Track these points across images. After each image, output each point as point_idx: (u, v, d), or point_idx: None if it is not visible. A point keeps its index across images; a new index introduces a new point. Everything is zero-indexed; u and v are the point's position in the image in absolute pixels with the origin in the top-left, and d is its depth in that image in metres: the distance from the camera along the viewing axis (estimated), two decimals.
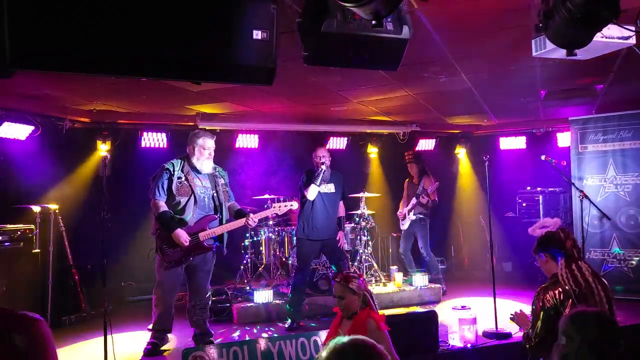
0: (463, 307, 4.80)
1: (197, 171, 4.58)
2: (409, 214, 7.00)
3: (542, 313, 2.83)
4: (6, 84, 4.89)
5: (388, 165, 8.51)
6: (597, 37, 2.70)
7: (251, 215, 4.62)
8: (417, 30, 2.99)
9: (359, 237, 6.84)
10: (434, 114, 7.44)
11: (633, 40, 2.94)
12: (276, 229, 6.92)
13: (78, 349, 4.94)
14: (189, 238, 4.39)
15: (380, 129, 8.17)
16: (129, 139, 6.95)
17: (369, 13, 2.20)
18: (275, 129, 7.62)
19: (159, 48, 2.60)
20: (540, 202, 7.83)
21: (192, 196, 4.48)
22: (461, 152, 8.82)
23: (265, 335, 5.24)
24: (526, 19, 3.25)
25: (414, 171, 7.18)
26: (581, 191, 6.24)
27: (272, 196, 6.69)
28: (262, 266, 7.02)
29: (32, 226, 5.64)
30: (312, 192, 5.32)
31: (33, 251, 5.60)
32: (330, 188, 5.48)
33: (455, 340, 4.62)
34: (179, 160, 4.57)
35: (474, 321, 4.60)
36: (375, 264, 6.93)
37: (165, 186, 4.46)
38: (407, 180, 7.35)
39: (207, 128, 6.89)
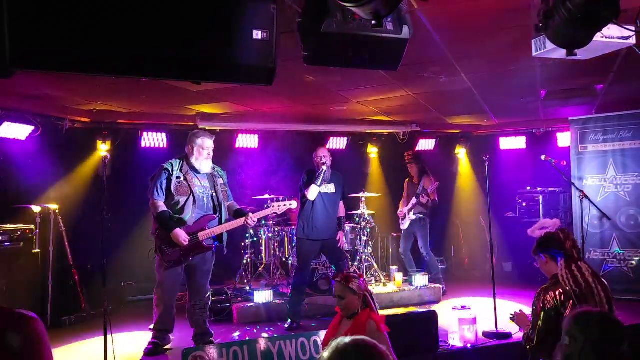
0: (463, 307, 4.80)
1: (196, 171, 4.58)
2: (409, 214, 7.00)
3: (542, 314, 2.83)
4: (6, 84, 4.89)
5: (388, 165, 8.51)
6: (597, 37, 2.70)
7: (250, 214, 4.62)
8: (417, 30, 2.99)
9: (359, 237, 6.84)
10: (434, 114, 7.44)
11: (633, 40, 2.94)
12: (276, 229, 6.92)
13: (78, 349, 4.94)
14: (188, 238, 4.39)
15: (380, 129, 8.17)
16: (129, 139, 6.95)
17: (369, 13, 2.20)
18: (275, 129, 7.61)
19: (159, 48, 2.60)
20: (540, 202, 7.84)
21: (191, 196, 4.48)
22: (461, 152, 8.82)
23: (265, 335, 5.24)
24: (526, 19, 3.25)
25: (414, 171, 7.18)
26: (581, 191, 6.24)
27: (272, 196, 6.69)
28: (262, 266, 7.02)
29: (32, 226, 5.64)
30: (312, 193, 5.32)
31: (33, 251, 5.60)
32: (330, 188, 5.47)
33: (455, 340, 4.62)
34: (178, 160, 4.58)
35: (474, 321, 4.60)
36: (375, 264, 6.93)
37: (164, 186, 4.46)
38: (407, 180, 7.35)
39: (207, 128, 6.89)
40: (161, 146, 6.99)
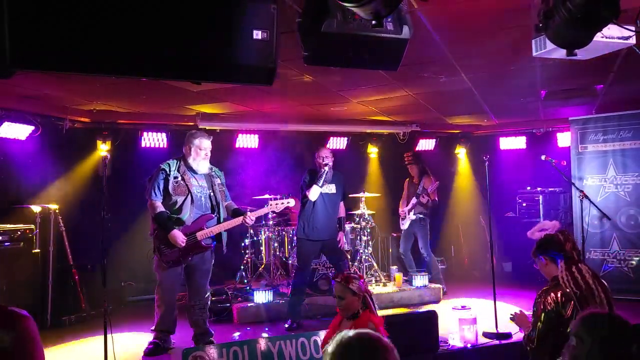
0: (463, 307, 4.81)
1: (194, 171, 4.58)
2: (409, 214, 7.00)
3: (543, 315, 2.84)
4: (6, 84, 4.89)
5: (388, 165, 8.50)
6: (597, 37, 2.70)
7: (248, 213, 4.61)
8: (417, 30, 2.99)
9: (359, 237, 6.84)
10: (434, 114, 7.44)
11: (633, 40, 2.94)
12: (276, 229, 6.92)
13: (78, 349, 4.94)
14: (185, 239, 4.39)
15: (380, 129, 8.17)
16: (129, 139, 6.95)
17: (369, 13, 2.20)
18: (275, 129, 7.61)
19: (159, 48, 2.60)
20: (540, 202, 7.83)
21: (189, 195, 4.49)
22: (461, 152, 8.82)
23: (265, 335, 5.24)
24: (526, 19, 3.25)
25: (415, 172, 7.18)
26: (581, 191, 6.24)
27: (272, 196, 6.68)
28: (262, 266, 7.02)
29: (32, 226, 5.64)
30: (314, 193, 5.31)
31: (33, 251, 5.60)
32: (331, 189, 5.47)
33: (455, 340, 4.62)
34: (175, 161, 4.58)
35: (474, 321, 4.60)
36: (375, 264, 6.93)
37: (162, 186, 4.47)
38: (407, 180, 7.35)
39: (207, 128, 6.89)
40: (161, 146, 6.99)
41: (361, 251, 6.76)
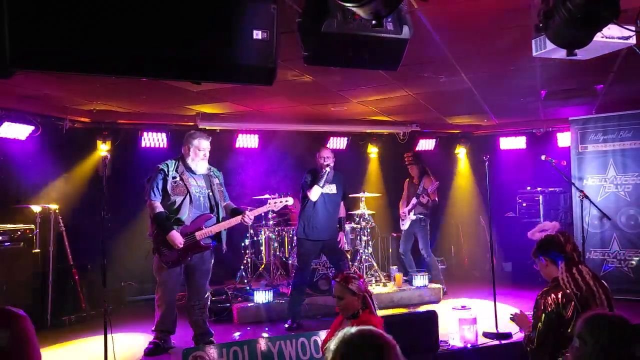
0: (463, 307, 4.79)
1: (192, 171, 4.58)
2: (409, 214, 7.00)
3: (543, 316, 2.84)
4: (6, 84, 4.89)
5: (388, 165, 8.51)
6: (597, 37, 2.70)
7: (247, 212, 4.61)
8: (417, 30, 2.99)
9: (359, 237, 6.84)
10: (434, 114, 7.44)
11: (633, 40, 2.94)
12: (276, 229, 6.92)
13: (78, 349, 4.94)
14: (183, 240, 4.39)
15: (380, 129, 8.17)
16: (129, 139, 6.95)
17: (369, 13, 2.20)
18: (275, 129, 7.62)
19: (159, 48, 2.60)
20: (540, 202, 7.83)
21: (188, 195, 4.49)
22: (461, 152, 8.82)
23: (265, 335, 5.24)
24: (526, 19, 3.25)
25: (415, 172, 7.17)
26: (581, 191, 6.23)
27: (272, 196, 6.69)
28: (262, 266, 7.02)
29: (32, 226, 5.64)
30: (315, 194, 5.31)
31: (33, 251, 5.60)
32: (332, 189, 5.47)
33: (455, 340, 4.62)
34: (173, 161, 4.59)
35: (474, 321, 4.60)
36: (375, 264, 6.93)
37: (160, 186, 4.47)
38: (407, 180, 7.35)
39: (207, 128, 6.90)
40: (161, 146, 6.99)
41: (361, 251, 6.76)
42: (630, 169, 6.50)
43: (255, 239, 7.14)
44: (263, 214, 6.88)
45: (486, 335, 4.82)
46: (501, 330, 4.83)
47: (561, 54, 2.79)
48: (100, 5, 2.44)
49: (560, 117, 7.58)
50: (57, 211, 5.97)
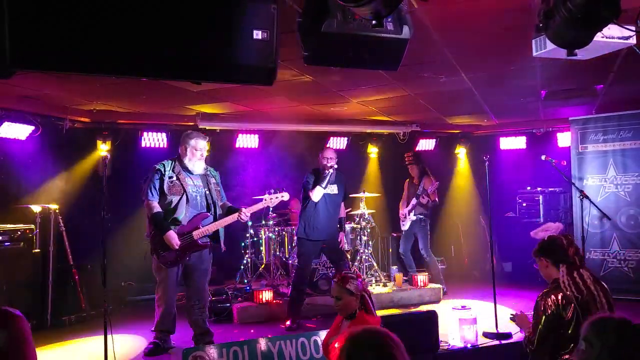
0: (463, 307, 4.79)
1: (189, 171, 4.59)
2: (409, 215, 6.99)
3: (543, 317, 2.84)
4: (6, 84, 4.89)
5: (388, 165, 8.51)
6: (597, 37, 2.70)
7: (243, 209, 4.60)
8: (417, 30, 2.99)
9: (359, 237, 6.84)
10: (434, 114, 7.43)
11: (633, 40, 2.94)
12: (276, 229, 6.92)
13: (78, 349, 4.94)
14: (179, 242, 4.39)
15: (380, 129, 8.17)
16: (129, 139, 6.95)
17: (369, 13, 2.20)
18: (275, 129, 7.62)
19: (159, 48, 2.60)
20: (541, 202, 7.83)
21: (184, 195, 4.50)
22: (461, 152, 8.82)
23: (265, 335, 5.24)
24: (526, 19, 3.25)
25: (415, 172, 7.16)
26: (581, 191, 6.23)
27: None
28: (262, 266, 7.02)
29: (32, 226, 5.64)
30: (317, 194, 5.30)
31: (33, 251, 5.60)
32: (333, 189, 5.46)
33: (455, 340, 4.62)
34: (170, 161, 4.60)
35: (474, 321, 4.60)
36: (375, 264, 6.92)
37: (157, 186, 4.48)
38: (407, 180, 7.34)
39: (207, 128, 6.90)
40: (161, 146, 7.00)
41: (361, 251, 6.76)
42: (631, 169, 6.50)
43: (255, 239, 7.14)
44: (263, 214, 6.88)
45: (486, 335, 4.82)
46: (501, 330, 4.83)
47: (561, 54, 2.79)
48: (100, 5, 2.44)
49: (560, 117, 7.58)
50: (57, 211, 5.97)
